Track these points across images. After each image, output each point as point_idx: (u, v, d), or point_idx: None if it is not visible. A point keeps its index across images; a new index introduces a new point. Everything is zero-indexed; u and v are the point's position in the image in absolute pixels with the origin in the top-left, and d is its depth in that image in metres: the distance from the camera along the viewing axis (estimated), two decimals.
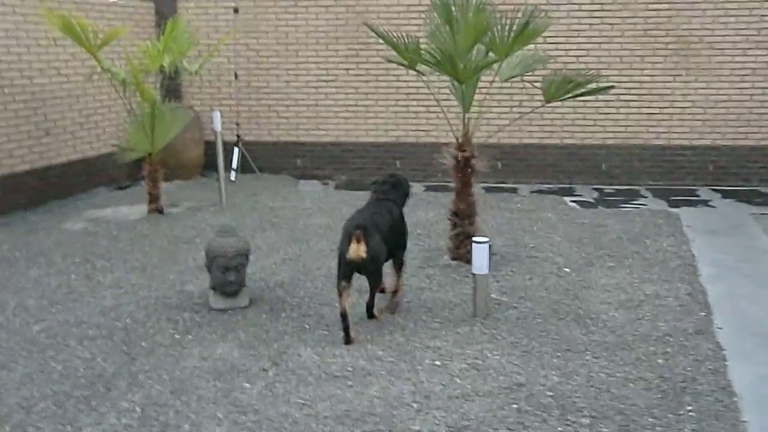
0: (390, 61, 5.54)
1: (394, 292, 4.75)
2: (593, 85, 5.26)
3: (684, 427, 3.29)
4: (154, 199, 7.28)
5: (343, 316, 4.17)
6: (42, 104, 7.58)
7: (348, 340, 4.16)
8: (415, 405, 3.48)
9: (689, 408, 3.45)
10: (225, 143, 8.29)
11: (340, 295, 4.17)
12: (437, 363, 3.92)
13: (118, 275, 5.43)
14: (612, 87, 5.77)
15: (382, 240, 4.32)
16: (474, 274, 4.48)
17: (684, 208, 7.60)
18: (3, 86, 7.09)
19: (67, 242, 6.29)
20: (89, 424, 3.35)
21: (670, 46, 8.59)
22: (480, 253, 4.42)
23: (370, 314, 4.51)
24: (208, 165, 9.06)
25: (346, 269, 4.16)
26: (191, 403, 3.53)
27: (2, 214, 7.09)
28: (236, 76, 9.31)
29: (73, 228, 6.78)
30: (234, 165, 9.11)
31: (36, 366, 3.94)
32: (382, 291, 4.75)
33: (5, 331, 4.42)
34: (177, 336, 4.33)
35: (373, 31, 5.25)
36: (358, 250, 4.09)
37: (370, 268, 4.24)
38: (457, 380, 3.73)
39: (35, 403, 3.55)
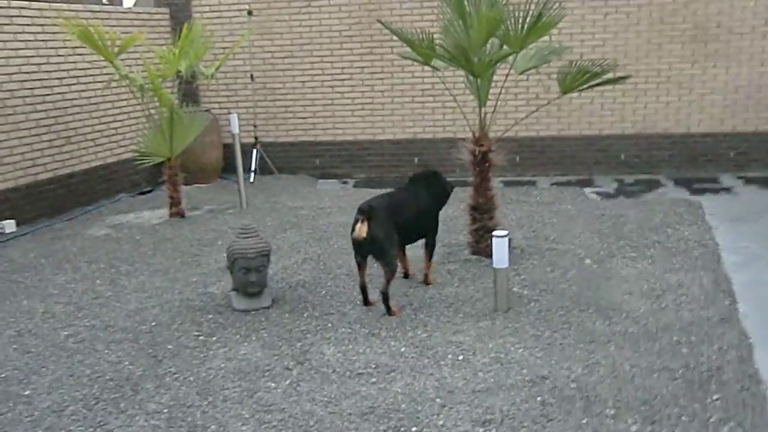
0: (405, 58, 5.55)
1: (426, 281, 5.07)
2: (609, 75, 5.22)
3: (711, 416, 3.27)
4: (174, 203, 7.35)
5: (362, 288, 4.69)
6: (63, 113, 7.68)
7: (366, 303, 4.68)
8: (438, 400, 3.49)
9: (715, 397, 3.42)
10: (243, 145, 8.35)
11: (359, 269, 4.64)
12: (460, 358, 3.93)
13: (142, 279, 5.50)
14: (629, 77, 5.73)
15: (391, 224, 4.51)
16: (495, 268, 4.48)
17: (706, 195, 7.52)
18: (24, 96, 7.21)
19: (91, 248, 6.38)
20: (119, 427, 3.40)
21: (687, 33, 8.49)
22: (500, 247, 4.41)
23: (386, 304, 4.54)
24: (227, 167, 9.13)
25: (354, 248, 4.57)
26: (217, 403, 3.57)
27: (27, 223, 7.20)
28: (252, 77, 9.37)
29: (97, 234, 6.88)
30: (253, 167, 9.17)
31: (65, 370, 4.01)
32: (406, 276, 5.12)
33: (35, 337, 4.50)
34: (201, 338, 4.37)
35: (387, 28, 5.26)
36: (360, 231, 4.39)
37: (374, 248, 4.48)
38: (480, 374, 3.73)
39: (66, 406, 3.61)
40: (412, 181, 5.10)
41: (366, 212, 4.41)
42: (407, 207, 4.77)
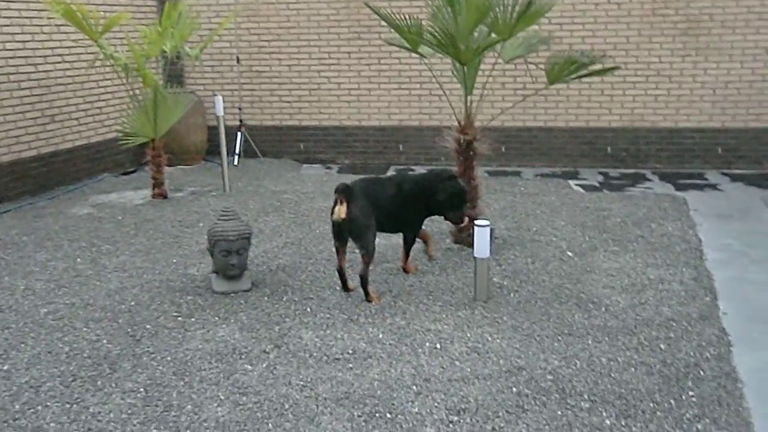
0: (392, 44, 5.51)
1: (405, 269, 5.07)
2: (598, 66, 5.21)
3: (685, 412, 3.28)
4: (157, 184, 7.29)
5: (339, 272, 4.67)
6: (47, 91, 7.58)
7: (345, 289, 4.69)
8: (414, 388, 3.49)
9: (691, 394, 3.44)
10: (228, 128, 8.29)
11: (337, 254, 4.64)
12: (438, 346, 3.93)
13: (123, 259, 5.46)
14: (617, 68, 5.71)
15: (369, 205, 4.45)
16: (476, 258, 4.48)
17: (691, 191, 7.55)
18: (8, 73, 7.10)
19: (73, 227, 6.33)
20: (95, 404, 3.39)
21: (678, 26, 8.48)
22: (481, 237, 4.41)
23: (365, 289, 4.52)
24: (211, 150, 9.06)
25: (334, 231, 4.56)
26: (193, 384, 3.56)
27: (10, 200, 7.13)
28: (238, 60, 9.29)
29: (79, 213, 6.81)
30: (237, 149, 9.10)
31: (44, 347, 3.98)
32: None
33: (14, 313, 4.46)
34: (180, 319, 4.35)
35: (375, 12, 5.21)
36: (339, 212, 4.35)
37: (352, 230, 4.44)
38: (457, 363, 3.73)
39: (43, 383, 3.60)
40: (421, 177, 4.92)
41: (344, 192, 4.35)
42: (386, 192, 4.64)
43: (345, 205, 4.35)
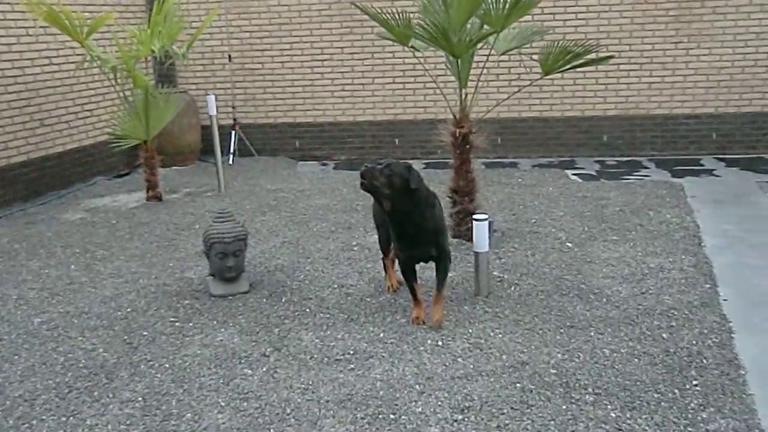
0: (384, 38, 5.45)
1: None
2: (592, 56, 5.16)
3: (690, 402, 3.25)
4: (151, 186, 7.23)
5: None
6: (35, 94, 7.50)
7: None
8: (417, 387, 3.45)
9: (695, 382, 3.41)
10: (221, 127, 8.22)
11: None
12: (439, 343, 3.89)
13: (118, 264, 5.40)
14: (612, 57, 5.66)
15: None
16: (475, 252, 4.43)
17: (688, 178, 7.52)
18: None
19: (66, 233, 6.26)
20: (92, 415, 3.33)
21: (671, 13, 8.44)
22: (480, 231, 4.37)
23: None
24: (206, 149, 8.99)
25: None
26: (193, 391, 3.51)
27: (0, 207, 7.05)
28: (230, 58, 9.21)
29: (72, 218, 6.75)
30: (231, 149, 9.04)
31: (38, 358, 3.92)
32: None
33: (7, 324, 4.40)
34: (178, 324, 4.30)
35: (363, 11, 5.15)
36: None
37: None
38: (460, 360, 3.69)
39: (38, 395, 3.53)
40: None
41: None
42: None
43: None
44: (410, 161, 7.25)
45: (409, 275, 4.15)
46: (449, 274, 4.31)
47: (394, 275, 4.60)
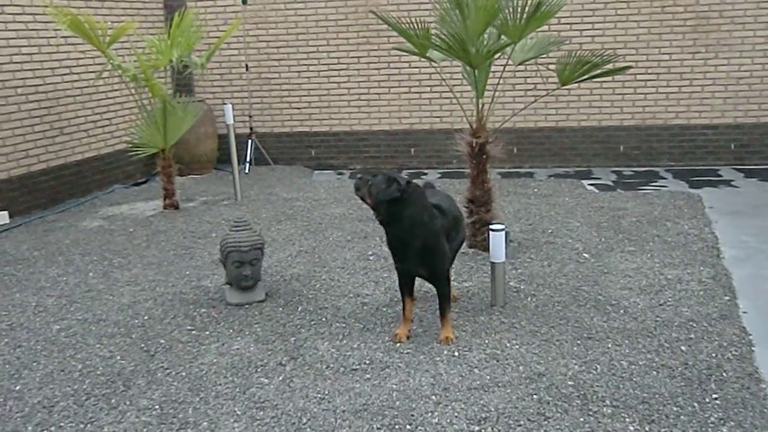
0: (402, 51, 5.46)
1: None
2: (610, 66, 5.14)
3: (710, 415, 3.22)
4: (169, 194, 7.28)
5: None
6: (55, 103, 7.59)
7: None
8: (434, 397, 3.44)
9: (714, 396, 3.37)
10: (238, 136, 8.27)
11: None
12: (455, 354, 3.87)
13: (135, 272, 5.44)
14: (629, 67, 5.65)
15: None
16: (492, 263, 4.42)
17: (705, 189, 7.46)
18: (16, 87, 7.11)
19: (84, 240, 6.32)
20: (110, 423, 3.35)
21: (688, 23, 8.40)
22: (497, 241, 4.35)
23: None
24: (222, 158, 9.05)
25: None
26: (209, 399, 3.52)
27: (20, 214, 7.13)
28: (247, 67, 9.28)
29: (90, 226, 6.81)
30: (248, 157, 9.09)
31: (56, 365, 3.95)
32: None
33: (26, 330, 4.44)
34: (194, 332, 4.32)
35: (383, 20, 5.17)
36: None
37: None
38: (476, 371, 3.68)
39: (56, 402, 3.56)
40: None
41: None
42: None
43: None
44: (426, 171, 7.28)
45: (402, 289, 4.09)
46: (453, 292, 4.23)
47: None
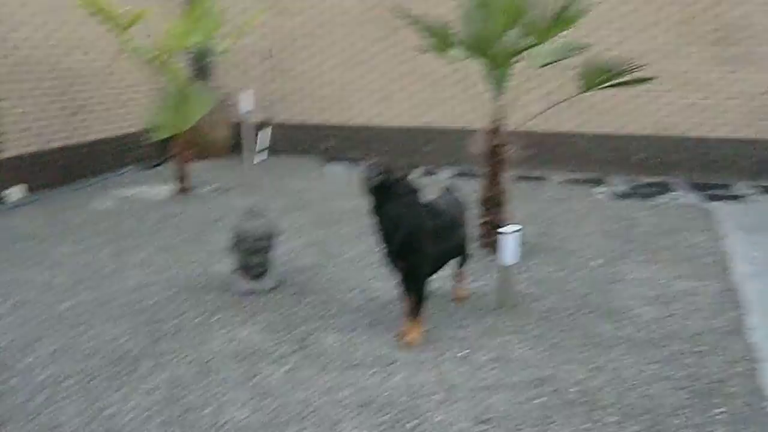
0: (423, 51, 5.44)
1: None
2: (632, 75, 5.11)
3: (714, 429, 3.20)
4: (181, 179, 7.30)
5: None
6: (72, 83, 7.62)
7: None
8: (438, 396, 3.44)
9: (720, 410, 3.35)
10: (253, 124, 8.28)
11: None
12: (462, 354, 3.87)
13: (145, 255, 5.46)
14: (653, 78, 5.59)
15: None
16: (500, 265, 4.41)
17: (719, 202, 7.42)
18: (34, 64, 7.14)
19: (95, 221, 6.35)
20: (115, 403, 3.37)
21: (710, 36, 8.34)
22: (506, 244, 4.34)
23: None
24: (237, 146, 9.07)
25: None
26: (214, 385, 3.53)
27: (33, 191, 7.18)
28: (271, 53, 9.24)
29: (102, 206, 6.84)
30: (262, 146, 9.10)
31: (64, 343, 3.98)
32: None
33: (35, 307, 4.47)
34: (202, 317, 4.33)
35: (407, 17, 5.16)
36: None
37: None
38: (482, 372, 3.68)
39: (63, 380, 3.58)
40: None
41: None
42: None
43: None
44: (439, 170, 7.23)
45: (398, 285, 4.12)
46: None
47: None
